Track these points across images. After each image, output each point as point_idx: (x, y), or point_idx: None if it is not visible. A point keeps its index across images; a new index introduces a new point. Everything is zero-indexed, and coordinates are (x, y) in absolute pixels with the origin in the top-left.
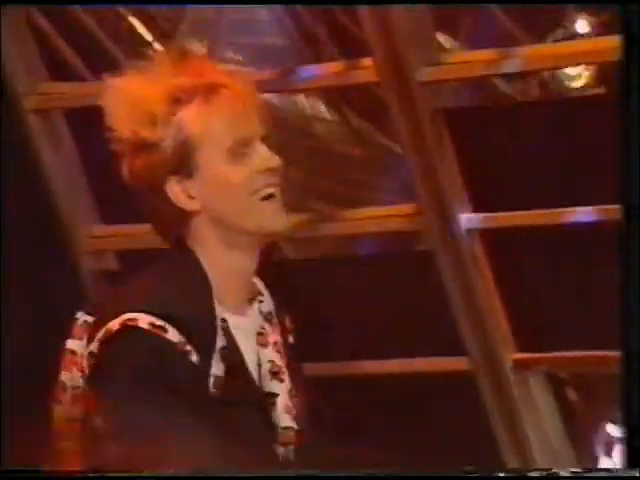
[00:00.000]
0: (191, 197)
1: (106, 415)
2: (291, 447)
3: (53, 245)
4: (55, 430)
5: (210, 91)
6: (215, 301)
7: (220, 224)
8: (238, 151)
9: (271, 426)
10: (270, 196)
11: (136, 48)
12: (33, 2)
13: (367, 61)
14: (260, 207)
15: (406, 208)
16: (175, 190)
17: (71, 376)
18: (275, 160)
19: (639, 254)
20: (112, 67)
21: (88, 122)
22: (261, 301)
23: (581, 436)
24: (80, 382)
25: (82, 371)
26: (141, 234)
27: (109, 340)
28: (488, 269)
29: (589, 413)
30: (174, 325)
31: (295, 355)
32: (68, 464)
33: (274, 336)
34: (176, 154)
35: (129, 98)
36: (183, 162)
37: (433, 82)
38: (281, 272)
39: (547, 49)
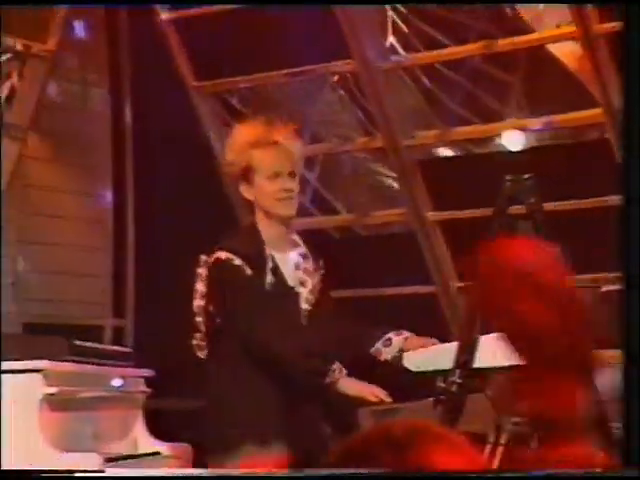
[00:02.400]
0: (251, 194)
1: (210, 299)
2: (306, 315)
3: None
4: (193, 313)
5: (270, 142)
6: (266, 247)
7: (262, 208)
8: (272, 177)
9: (298, 308)
10: (287, 198)
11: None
12: (33, 2)
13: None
14: (278, 203)
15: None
16: (244, 189)
17: (199, 286)
18: (291, 184)
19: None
20: None
21: None
22: (299, 247)
23: None
24: (203, 288)
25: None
26: None
27: (210, 266)
28: (442, 238)
29: None
30: (239, 257)
31: (325, 277)
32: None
33: (305, 266)
34: (244, 172)
35: (234, 139)
36: (247, 177)
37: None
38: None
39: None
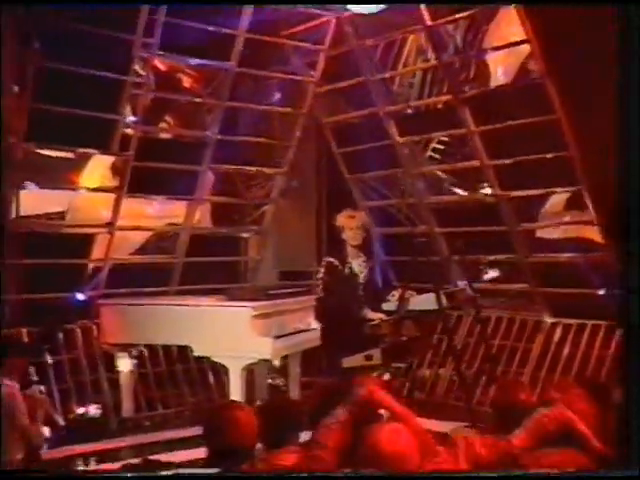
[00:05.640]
0: (344, 237)
1: (325, 274)
2: (361, 286)
3: None
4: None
5: (349, 217)
6: (349, 256)
7: (347, 241)
8: (349, 229)
9: (357, 282)
10: (355, 237)
11: None
12: (33, 2)
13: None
14: (351, 239)
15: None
16: (342, 234)
17: (322, 269)
18: (357, 232)
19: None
20: None
21: None
22: (361, 257)
23: None
24: (323, 270)
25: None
26: None
27: (326, 262)
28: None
29: None
30: (338, 260)
31: (372, 269)
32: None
33: (363, 264)
34: (340, 228)
35: (338, 218)
36: (342, 230)
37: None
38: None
39: None
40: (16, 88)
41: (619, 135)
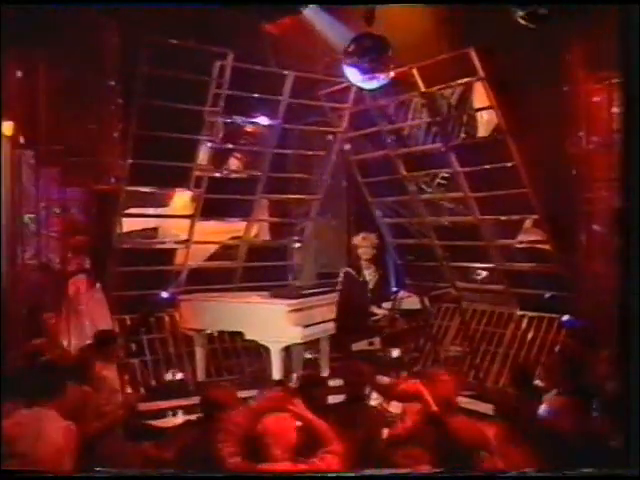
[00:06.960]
0: (360, 252)
1: (344, 280)
2: (370, 291)
3: None
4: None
5: (362, 237)
6: (362, 267)
7: (359, 257)
8: (361, 246)
9: (367, 287)
10: (365, 253)
11: None
12: (33, 2)
13: None
14: (362, 255)
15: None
16: (357, 251)
17: (341, 275)
18: (367, 249)
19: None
20: None
21: None
22: (372, 267)
23: None
24: (342, 276)
25: None
26: None
27: (344, 271)
28: (440, 248)
29: None
30: (354, 270)
31: (379, 278)
32: None
33: (372, 274)
34: (354, 247)
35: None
36: (356, 248)
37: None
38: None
39: None
40: (122, 162)
41: (622, 142)
